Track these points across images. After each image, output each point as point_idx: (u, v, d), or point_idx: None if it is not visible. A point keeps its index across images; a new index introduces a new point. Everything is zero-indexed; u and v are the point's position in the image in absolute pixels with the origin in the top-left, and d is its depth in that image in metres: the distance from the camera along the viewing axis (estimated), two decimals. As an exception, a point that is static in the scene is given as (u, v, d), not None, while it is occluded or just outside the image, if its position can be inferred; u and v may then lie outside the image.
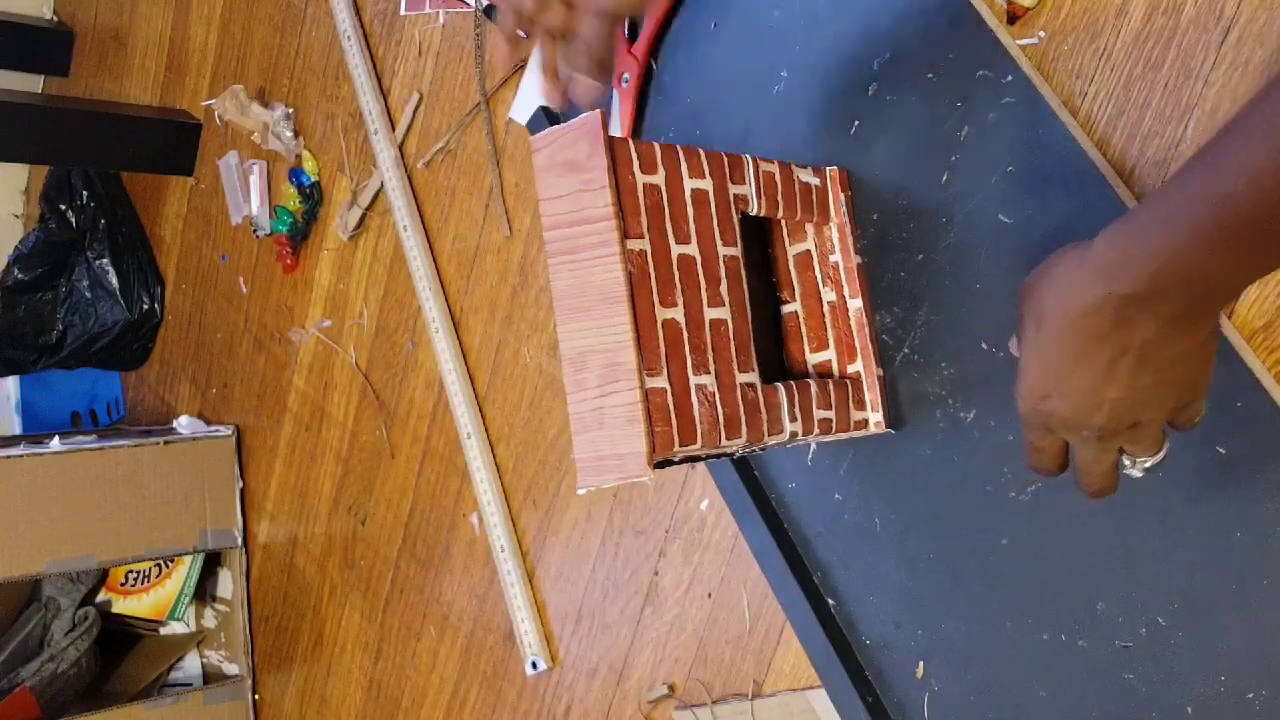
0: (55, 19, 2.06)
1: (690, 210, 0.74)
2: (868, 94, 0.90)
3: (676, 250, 0.72)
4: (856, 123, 0.90)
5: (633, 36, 1.06)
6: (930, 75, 0.86)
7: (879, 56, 0.89)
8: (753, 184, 0.80)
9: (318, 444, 1.58)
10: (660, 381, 0.68)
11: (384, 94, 1.45)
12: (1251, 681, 0.72)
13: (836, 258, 0.87)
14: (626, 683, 1.19)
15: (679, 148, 0.75)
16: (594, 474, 0.69)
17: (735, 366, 0.74)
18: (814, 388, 0.81)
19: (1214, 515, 0.73)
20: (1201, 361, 0.60)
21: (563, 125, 0.69)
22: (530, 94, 1.21)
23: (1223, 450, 0.73)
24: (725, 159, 0.78)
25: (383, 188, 1.45)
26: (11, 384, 2.02)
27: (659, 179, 0.72)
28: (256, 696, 1.70)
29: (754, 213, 0.80)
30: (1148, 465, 0.65)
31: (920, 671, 0.88)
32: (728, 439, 0.72)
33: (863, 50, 0.90)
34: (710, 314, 0.74)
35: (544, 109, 1.16)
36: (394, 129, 1.43)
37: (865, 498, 0.91)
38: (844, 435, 0.86)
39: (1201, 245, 0.51)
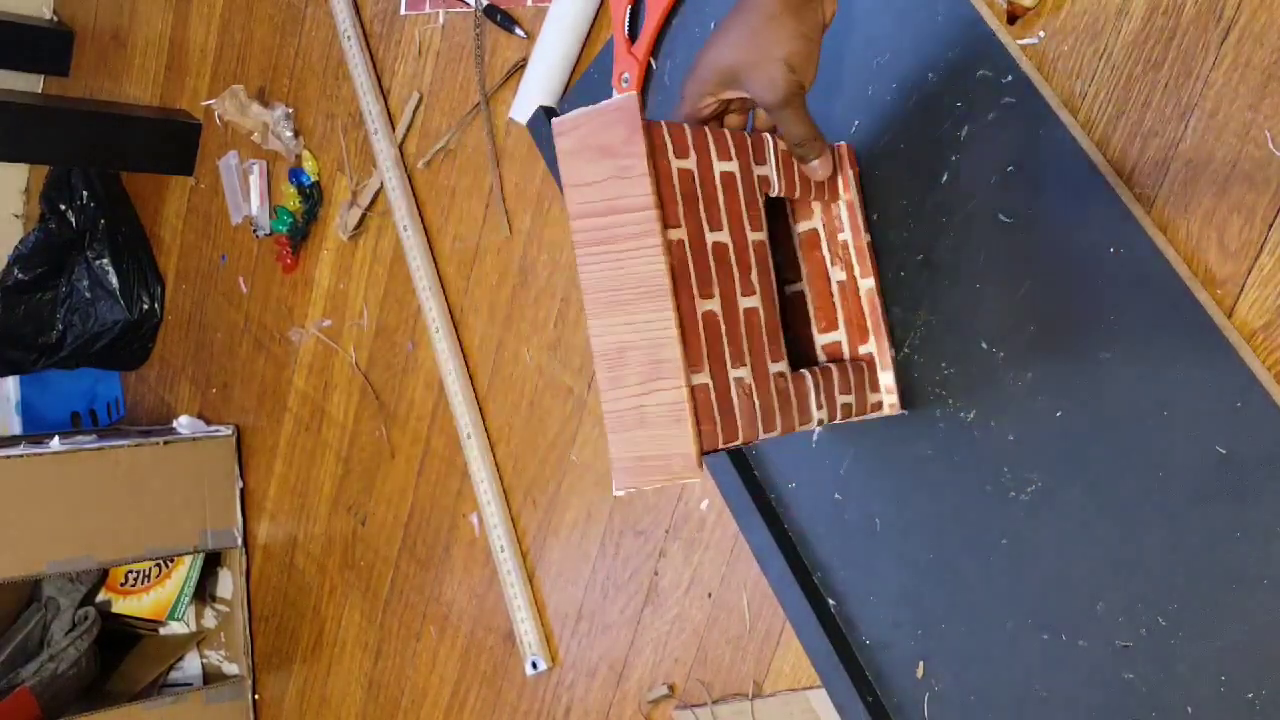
0: (55, 19, 2.06)
1: (721, 196, 0.70)
2: (868, 94, 0.90)
3: (711, 238, 0.68)
4: (856, 123, 0.90)
5: (633, 36, 1.06)
6: (930, 75, 0.86)
7: (879, 57, 0.89)
8: (774, 163, 0.76)
9: (318, 444, 1.58)
10: (703, 378, 0.65)
11: (384, 94, 1.45)
12: (1251, 681, 0.72)
13: (846, 235, 0.84)
14: (626, 683, 1.19)
15: (709, 129, 0.71)
16: (634, 475, 0.64)
17: (768, 357, 0.71)
18: (835, 373, 0.78)
19: (1214, 515, 0.73)
20: None
21: (593, 107, 0.65)
22: (530, 94, 1.21)
23: (1223, 450, 0.73)
24: (749, 139, 0.74)
25: (383, 188, 1.45)
26: (11, 384, 2.02)
27: (691, 164, 0.68)
28: (256, 696, 1.70)
29: (776, 193, 0.76)
30: None
31: (920, 671, 0.88)
32: (765, 432, 0.69)
33: (862, 50, 0.90)
34: (744, 303, 0.70)
35: (544, 108, 1.15)
36: (394, 129, 1.43)
37: (865, 498, 0.91)
38: (857, 419, 0.84)
39: None
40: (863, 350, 0.84)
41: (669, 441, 0.63)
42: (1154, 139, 0.79)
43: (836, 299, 0.84)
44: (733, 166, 0.72)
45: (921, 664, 0.88)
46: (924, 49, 0.86)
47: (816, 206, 0.84)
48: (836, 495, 0.93)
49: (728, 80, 0.74)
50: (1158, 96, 0.79)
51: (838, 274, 0.84)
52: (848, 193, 0.84)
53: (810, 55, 0.73)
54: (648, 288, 0.63)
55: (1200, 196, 0.77)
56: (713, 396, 0.65)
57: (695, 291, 0.66)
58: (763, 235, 0.73)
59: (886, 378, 0.84)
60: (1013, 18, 0.84)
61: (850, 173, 0.85)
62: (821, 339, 0.85)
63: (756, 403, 0.68)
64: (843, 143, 0.86)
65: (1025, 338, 0.81)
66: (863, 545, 0.91)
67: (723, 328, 0.67)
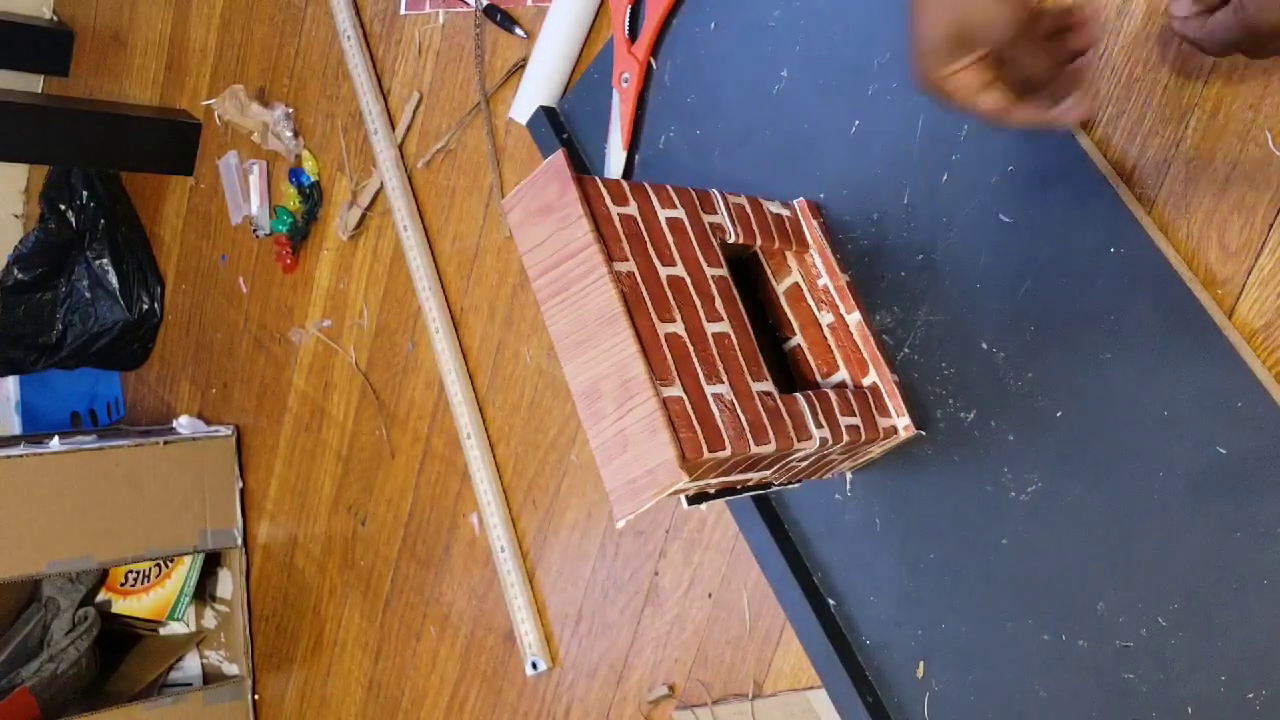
0: (55, 19, 2.06)
1: (669, 236, 0.76)
2: (868, 94, 0.90)
3: (664, 271, 0.73)
4: (856, 123, 0.90)
5: (633, 36, 1.06)
6: (930, 75, 0.86)
7: (879, 57, 0.89)
8: (725, 213, 0.82)
9: (318, 444, 1.58)
10: (675, 390, 0.68)
11: (384, 94, 1.45)
12: (1251, 681, 0.72)
13: (825, 280, 0.88)
14: (626, 683, 1.19)
15: (647, 184, 0.76)
16: (628, 499, 0.67)
17: (747, 376, 0.74)
18: (833, 395, 0.81)
19: (1214, 515, 0.73)
20: None
21: (528, 177, 0.71)
22: (530, 94, 1.21)
23: (1223, 450, 0.73)
24: (693, 193, 0.80)
25: (383, 188, 1.45)
26: (11, 384, 2.02)
27: (632, 210, 0.74)
28: (256, 696, 1.70)
29: (732, 240, 0.81)
30: None
31: (920, 671, 0.88)
32: (757, 445, 0.71)
33: (863, 50, 0.90)
34: (711, 328, 0.74)
35: (544, 109, 1.15)
36: (394, 129, 1.43)
37: (865, 498, 0.91)
38: (879, 449, 0.87)
39: None
40: (866, 381, 0.87)
41: (651, 454, 0.65)
42: (1154, 139, 0.79)
43: (830, 341, 0.87)
44: (678, 214, 0.77)
45: (921, 664, 0.88)
46: (924, 49, 0.86)
47: (792, 260, 0.88)
48: (837, 496, 0.93)
49: (957, 42, 0.67)
50: (1158, 96, 0.79)
51: (825, 317, 0.88)
52: (815, 241, 0.89)
53: None
54: (605, 316, 0.68)
55: (1200, 196, 0.77)
56: (689, 408, 0.68)
57: (654, 315, 0.70)
58: (723, 271, 0.78)
59: (894, 402, 0.86)
60: (1013, 18, 0.84)
61: (814, 223, 0.90)
62: (827, 383, 0.87)
63: (742, 417, 0.71)
64: (801, 198, 0.91)
65: (1025, 338, 0.81)
66: (863, 545, 0.91)
67: (690, 348, 0.71)
